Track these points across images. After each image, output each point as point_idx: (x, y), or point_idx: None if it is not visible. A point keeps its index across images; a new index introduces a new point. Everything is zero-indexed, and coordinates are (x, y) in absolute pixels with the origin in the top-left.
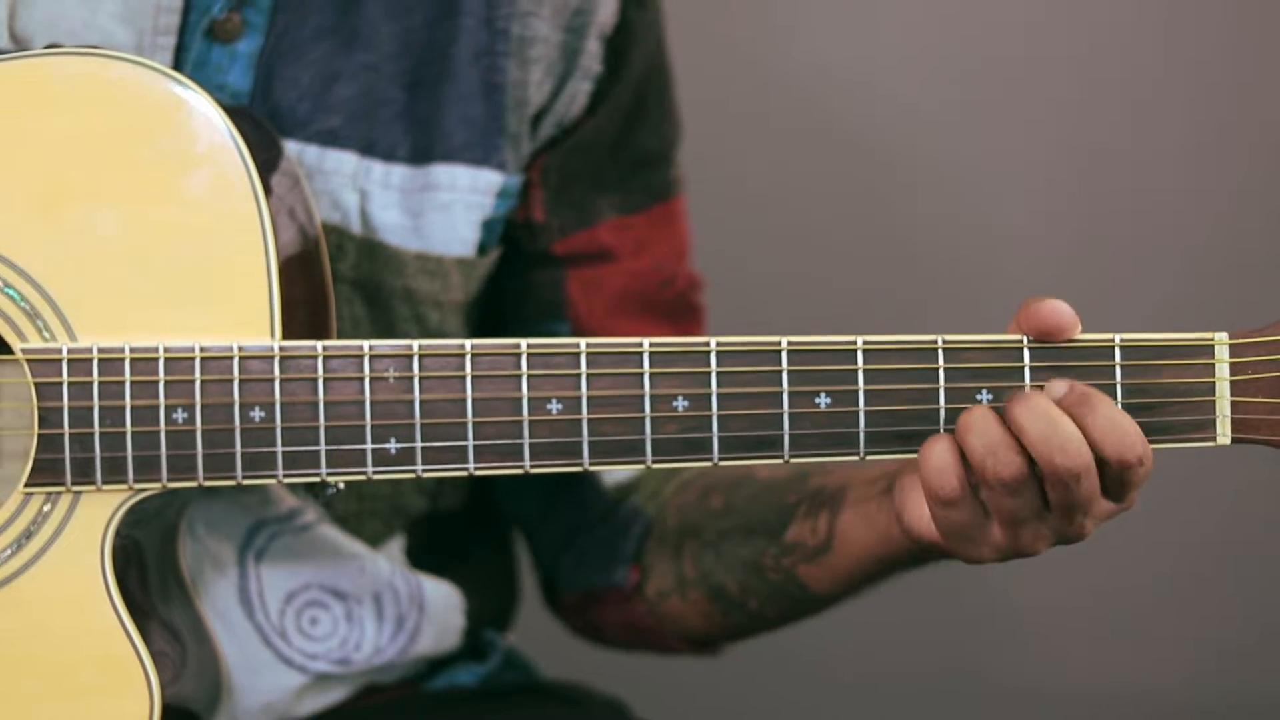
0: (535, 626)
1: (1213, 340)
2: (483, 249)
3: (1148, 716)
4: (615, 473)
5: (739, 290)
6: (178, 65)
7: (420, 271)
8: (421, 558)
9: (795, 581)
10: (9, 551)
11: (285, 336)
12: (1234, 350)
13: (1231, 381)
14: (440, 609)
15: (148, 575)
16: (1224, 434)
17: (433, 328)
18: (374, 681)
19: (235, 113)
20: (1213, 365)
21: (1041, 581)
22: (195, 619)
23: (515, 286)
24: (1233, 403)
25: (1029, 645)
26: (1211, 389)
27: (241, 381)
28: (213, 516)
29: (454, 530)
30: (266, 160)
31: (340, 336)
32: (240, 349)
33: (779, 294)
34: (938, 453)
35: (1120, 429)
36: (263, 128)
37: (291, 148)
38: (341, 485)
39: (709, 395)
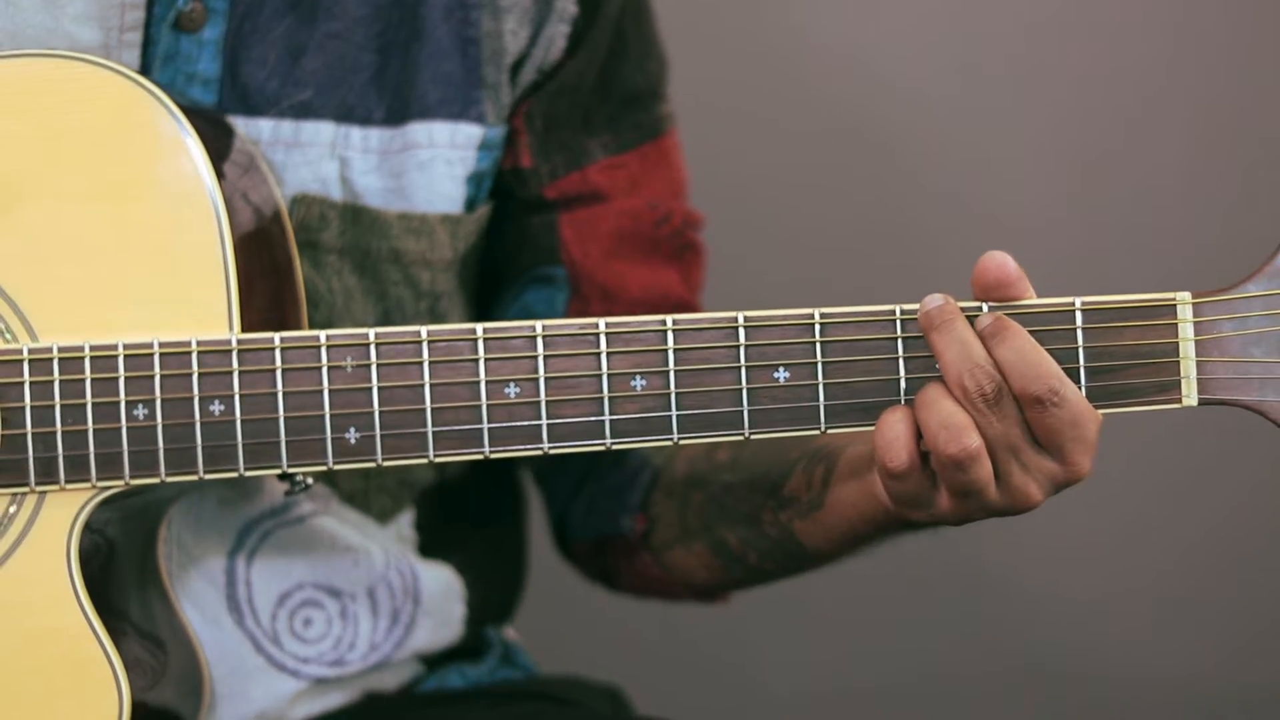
0: (535, 619)
1: (1175, 300)
2: (470, 204)
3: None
4: None
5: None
6: (146, 59)
7: (405, 231)
8: (431, 531)
9: (791, 537)
10: None
11: (249, 312)
12: (1198, 310)
13: (1196, 342)
14: (438, 599)
15: (124, 580)
16: (1190, 395)
17: (425, 288)
18: (372, 689)
19: (189, 111)
20: (1176, 325)
21: (1049, 573)
22: (175, 625)
23: (511, 236)
24: (1198, 363)
25: (1027, 642)
26: (1176, 350)
27: (200, 375)
28: (201, 522)
29: (463, 501)
30: (217, 150)
31: (333, 308)
32: (198, 343)
33: (744, 273)
34: (890, 425)
35: (1026, 360)
36: (213, 119)
37: (265, 125)
38: (310, 480)
39: (666, 373)
